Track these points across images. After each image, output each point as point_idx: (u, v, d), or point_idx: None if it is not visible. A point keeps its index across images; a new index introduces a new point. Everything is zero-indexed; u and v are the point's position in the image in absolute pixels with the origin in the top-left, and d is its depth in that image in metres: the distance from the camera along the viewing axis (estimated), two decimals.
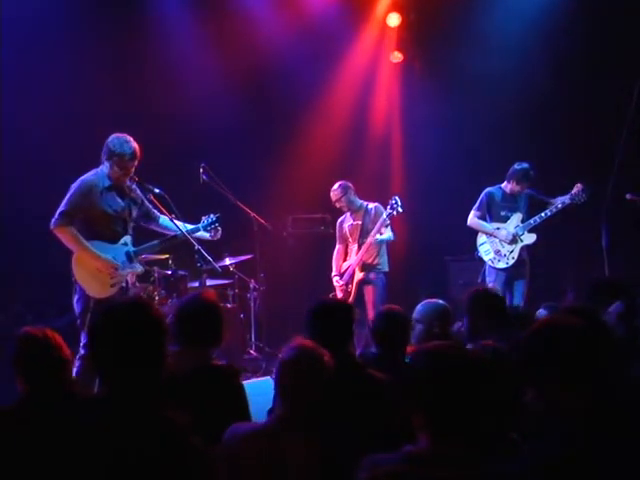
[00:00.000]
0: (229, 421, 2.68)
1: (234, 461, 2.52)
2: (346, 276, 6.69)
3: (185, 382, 2.96)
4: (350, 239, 6.78)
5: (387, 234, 6.61)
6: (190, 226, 5.34)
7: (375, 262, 6.62)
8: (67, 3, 7.43)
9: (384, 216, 6.46)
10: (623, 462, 2.06)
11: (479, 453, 2.06)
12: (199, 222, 5.40)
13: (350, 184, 6.80)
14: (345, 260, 6.82)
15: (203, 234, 5.39)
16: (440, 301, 4.16)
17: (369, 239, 6.51)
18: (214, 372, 3.19)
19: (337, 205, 6.84)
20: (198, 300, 3.36)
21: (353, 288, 6.61)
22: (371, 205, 6.74)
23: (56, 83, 7.41)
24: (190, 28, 8.19)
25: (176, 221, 5.22)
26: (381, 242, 6.58)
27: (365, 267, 6.59)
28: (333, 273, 6.86)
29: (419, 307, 4.10)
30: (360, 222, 6.70)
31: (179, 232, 5.21)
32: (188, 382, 2.98)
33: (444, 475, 2.02)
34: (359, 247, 6.62)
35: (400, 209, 6.39)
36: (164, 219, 5.37)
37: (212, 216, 5.41)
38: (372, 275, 6.60)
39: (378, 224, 6.50)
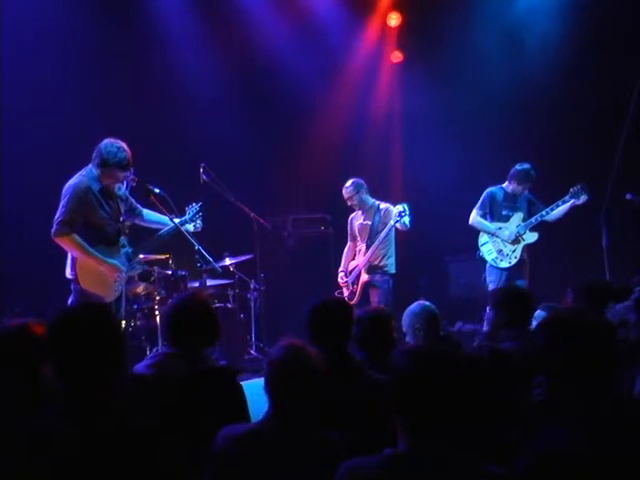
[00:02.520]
0: (227, 422, 2.65)
1: (226, 463, 2.50)
2: (352, 276, 6.65)
3: (180, 385, 2.94)
4: (359, 238, 6.70)
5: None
6: (176, 220, 5.25)
7: (382, 264, 6.53)
8: (67, 3, 7.43)
9: (391, 223, 6.36)
10: (624, 460, 2.06)
11: (467, 455, 2.04)
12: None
13: (363, 182, 6.66)
14: (354, 258, 6.76)
15: (188, 227, 5.27)
16: (426, 303, 4.11)
17: (376, 242, 6.44)
18: (210, 374, 3.13)
19: (348, 203, 6.70)
20: (186, 302, 3.27)
21: (358, 289, 6.57)
22: (383, 205, 6.61)
23: (56, 83, 7.40)
24: (190, 28, 8.19)
25: (164, 216, 5.18)
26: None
27: (371, 269, 6.52)
28: (340, 268, 6.82)
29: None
30: (370, 222, 6.60)
31: (170, 226, 5.15)
32: (183, 385, 2.95)
33: (423, 478, 2.00)
34: (367, 248, 6.55)
35: (406, 219, 6.24)
36: (148, 213, 5.30)
37: (195, 205, 5.35)
38: (377, 277, 6.53)
39: (385, 230, 6.41)
